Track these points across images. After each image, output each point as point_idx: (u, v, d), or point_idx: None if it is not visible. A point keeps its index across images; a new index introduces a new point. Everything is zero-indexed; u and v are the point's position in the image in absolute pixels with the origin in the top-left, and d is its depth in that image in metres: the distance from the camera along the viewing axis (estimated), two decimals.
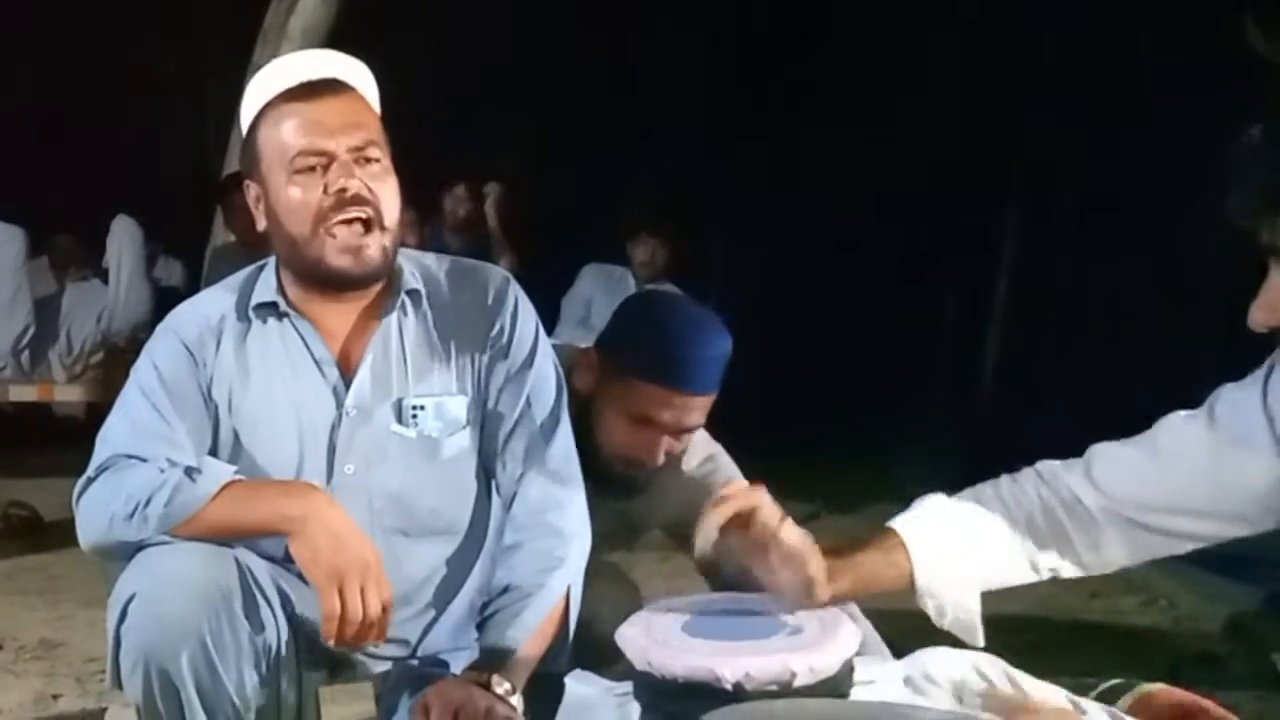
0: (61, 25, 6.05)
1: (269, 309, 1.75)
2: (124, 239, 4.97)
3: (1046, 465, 1.61)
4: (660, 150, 6.88)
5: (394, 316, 1.75)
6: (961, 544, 1.56)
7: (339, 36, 4.58)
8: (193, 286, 4.49)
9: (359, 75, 1.77)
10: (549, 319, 5.00)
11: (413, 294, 1.76)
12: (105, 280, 5.11)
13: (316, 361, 1.74)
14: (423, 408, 1.74)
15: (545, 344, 1.82)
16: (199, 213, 5.08)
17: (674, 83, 6.82)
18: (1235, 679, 2.75)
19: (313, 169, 1.67)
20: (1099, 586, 3.78)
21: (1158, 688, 1.33)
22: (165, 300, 4.82)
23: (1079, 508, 1.56)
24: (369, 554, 1.59)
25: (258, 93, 1.73)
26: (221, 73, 5.06)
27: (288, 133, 1.69)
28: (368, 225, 1.68)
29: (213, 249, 4.93)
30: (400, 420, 1.74)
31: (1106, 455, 1.57)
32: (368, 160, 1.69)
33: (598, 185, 6.52)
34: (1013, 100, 6.15)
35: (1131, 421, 1.62)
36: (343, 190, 1.66)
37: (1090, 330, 6.31)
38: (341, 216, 1.67)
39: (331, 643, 1.61)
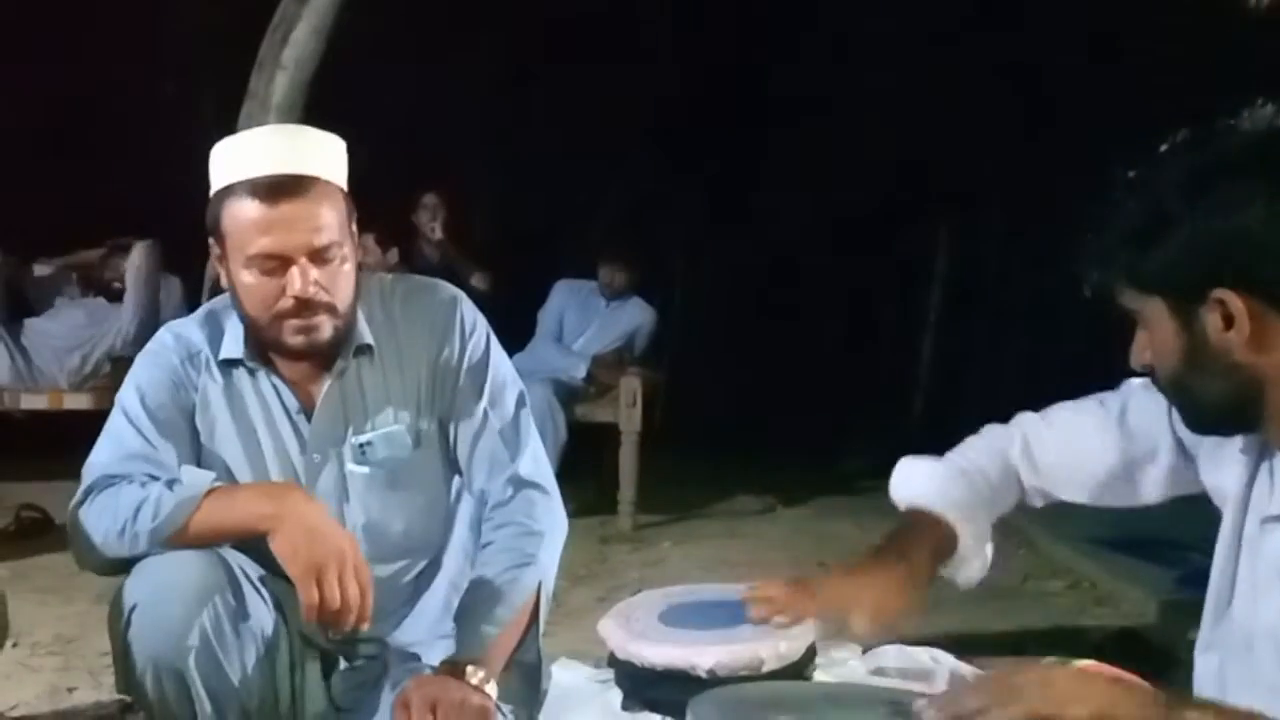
0: (60, 54, 5.99)
1: (236, 364, 1.75)
2: (146, 262, 4.94)
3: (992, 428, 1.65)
4: (626, 175, 6.92)
5: (350, 369, 1.75)
6: (985, 504, 1.58)
7: (331, 67, 4.56)
8: (192, 304, 4.47)
9: (327, 158, 1.68)
10: (528, 333, 5.02)
11: (363, 349, 1.75)
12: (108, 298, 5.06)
13: (286, 409, 1.75)
14: (370, 443, 1.74)
15: (499, 356, 1.82)
16: (197, 233, 5.02)
17: (640, 111, 6.86)
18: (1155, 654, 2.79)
19: (271, 270, 1.64)
20: (1030, 569, 3.86)
21: (1088, 664, 1.37)
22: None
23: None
24: (345, 544, 1.58)
25: (224, 166, 1.66)
26: (218, 98, 5.02)
27: (247, 230, 1.63)
28: (322, 311, 1.67)
29: (212, 267, 4.87)
30: (355, 460, 1.75)
31: (1031, 426, 1.62)
32: (326, 260, 1.65)
33: (572, 206, 6.55)
34: (941, 129, 6.24)
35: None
36: (299, 297, 1.64)
37: (1016, 334, 6.43)
38: (297, 320, 1.66)
39: (312, 624, 1.61)
